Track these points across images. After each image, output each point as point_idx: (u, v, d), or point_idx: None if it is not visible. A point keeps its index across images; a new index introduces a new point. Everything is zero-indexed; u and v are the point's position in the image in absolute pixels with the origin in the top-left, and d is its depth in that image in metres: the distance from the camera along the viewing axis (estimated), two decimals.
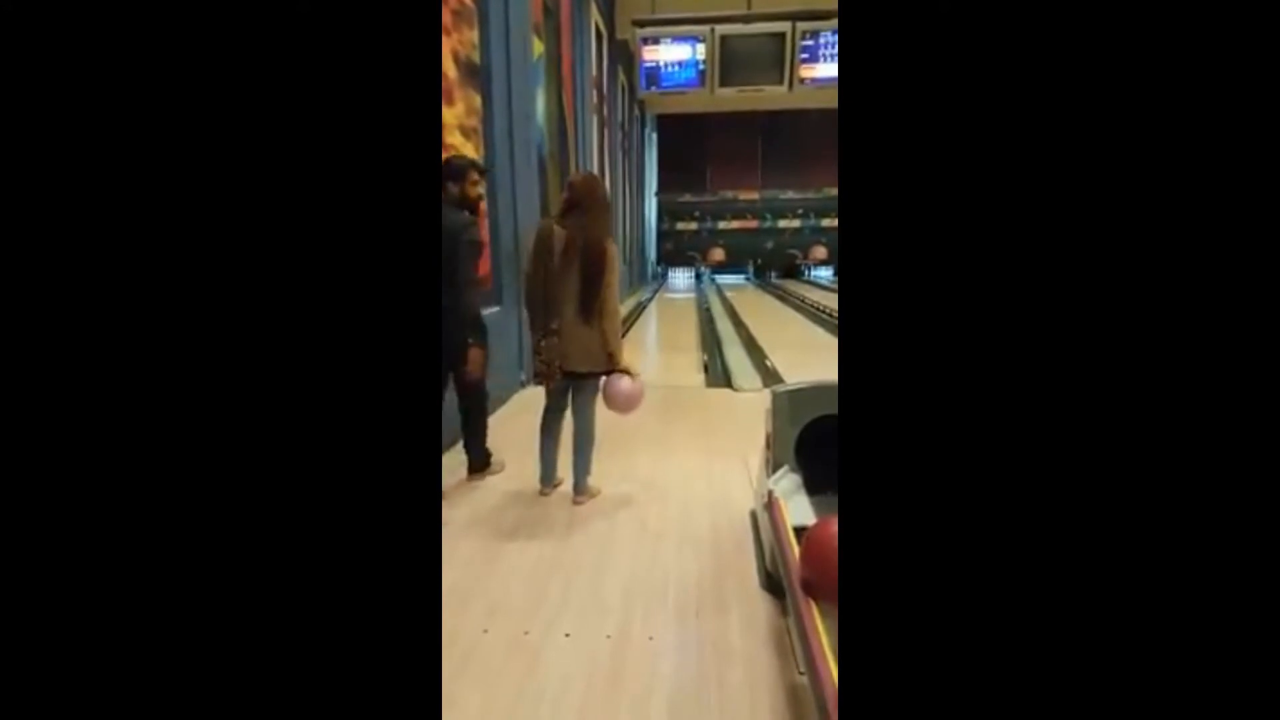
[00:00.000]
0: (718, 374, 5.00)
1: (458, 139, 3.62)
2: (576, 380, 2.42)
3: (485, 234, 2.42)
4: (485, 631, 1.70)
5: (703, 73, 5.59)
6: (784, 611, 1.74)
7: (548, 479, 2.59)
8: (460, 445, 2.78)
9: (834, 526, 1.43)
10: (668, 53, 5.66)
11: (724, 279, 15.17)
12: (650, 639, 1.67)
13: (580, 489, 2.52)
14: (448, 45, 3.48)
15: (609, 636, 1.68)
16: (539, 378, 2.41)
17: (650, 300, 11.12)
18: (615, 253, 2.34)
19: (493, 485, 2.72)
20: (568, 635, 1.69)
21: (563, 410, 2.54)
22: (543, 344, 2.35)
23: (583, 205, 2.33)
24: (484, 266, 4.09)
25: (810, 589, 1.40)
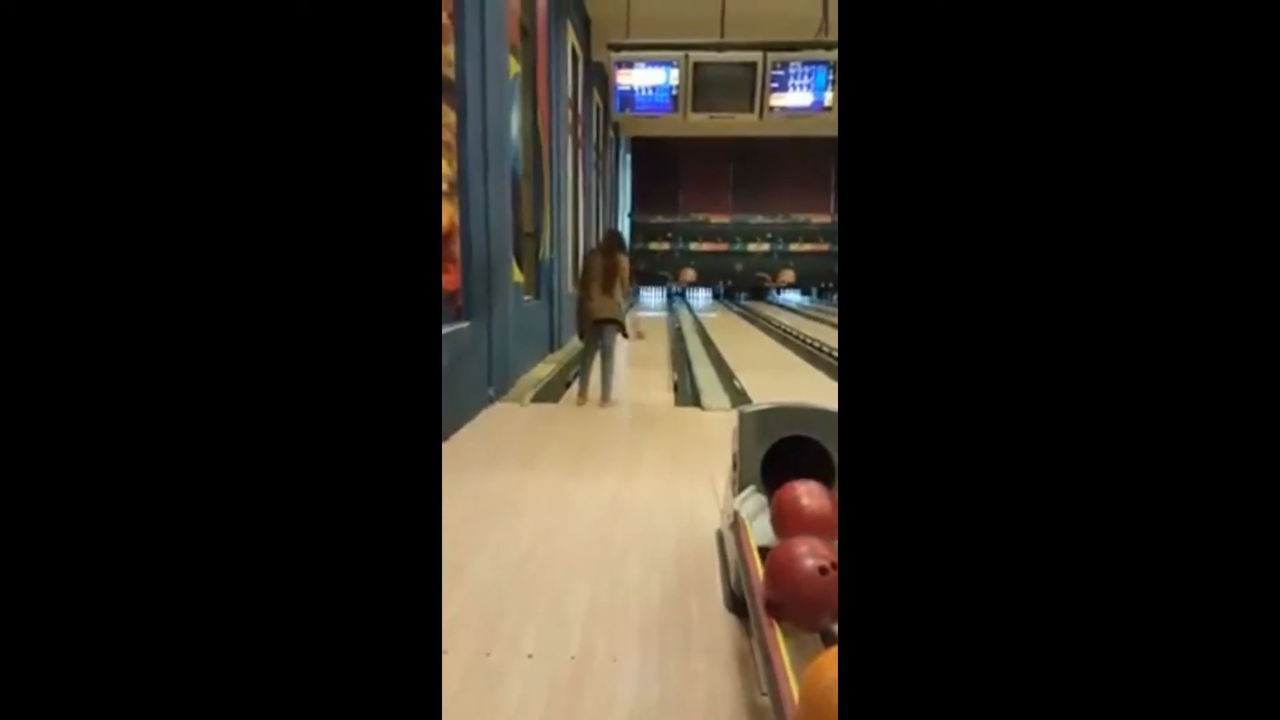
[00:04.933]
0: (686, 393, 5.03)
1: None
2: (602, 325, 4.39)
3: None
4: (446, 652, 1.68)
5: (675, 97, 5.65)
6: (748, 632, 1.74)
7: (584, 389, 4.48)
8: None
9: (798, 547, 1.45)
10: (642, 77, 5.72)
11: (698, 309, 15.29)
12: (614, 660, 1.66)
13: (606, 398, 4.44)
14: None
15: (573, 657, 1.67)
16: (579, 321, 4.57)
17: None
18: (624, 263, 4.48)
19: (458, 501, 2.69)
20: (530, 656, 1.67)
21: (595, 350, 4.45)
22: (579, 307, 4.54)
23: (608, 245, 4.66)
24: (453, 282, 4.07)
25: (773, 609, 1.42)
